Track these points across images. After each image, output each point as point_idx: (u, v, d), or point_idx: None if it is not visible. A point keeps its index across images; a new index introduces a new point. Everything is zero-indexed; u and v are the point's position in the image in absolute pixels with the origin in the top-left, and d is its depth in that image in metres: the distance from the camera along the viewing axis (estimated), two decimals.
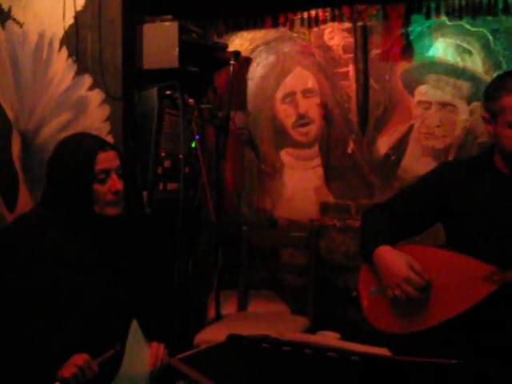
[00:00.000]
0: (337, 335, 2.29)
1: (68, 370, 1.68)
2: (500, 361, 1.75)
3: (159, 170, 3.05)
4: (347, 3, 3.44)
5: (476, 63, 3.26)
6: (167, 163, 3.10)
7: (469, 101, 3.28)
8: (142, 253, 2.07)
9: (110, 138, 2.90)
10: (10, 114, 3.16)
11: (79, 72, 3.05)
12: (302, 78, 3.61)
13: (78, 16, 3.03)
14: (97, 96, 3.02)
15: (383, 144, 3.46)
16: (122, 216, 1.93)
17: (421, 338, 1.95)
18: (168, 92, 3.06)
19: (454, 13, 3.26)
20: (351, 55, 3.48)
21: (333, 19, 3.51)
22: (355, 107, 3.49)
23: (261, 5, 3.52)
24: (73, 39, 3.04)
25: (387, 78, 3.42)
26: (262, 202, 3.71)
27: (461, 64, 3.29)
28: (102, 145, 1.91)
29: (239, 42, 3.71)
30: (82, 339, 1.76)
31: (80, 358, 1.70)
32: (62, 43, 3.06)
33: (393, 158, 3.44)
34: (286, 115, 3.65)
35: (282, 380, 1.27)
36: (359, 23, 3.44)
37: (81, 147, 1.87)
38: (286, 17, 3.58)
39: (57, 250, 1.82)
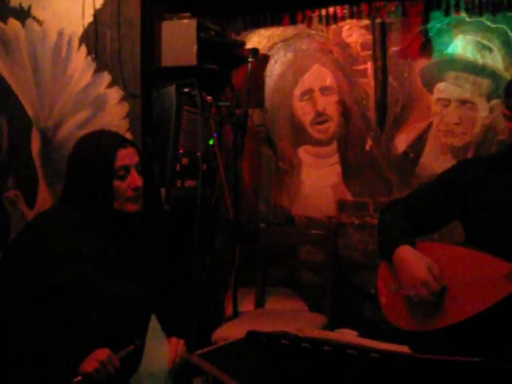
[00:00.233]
0: (355, 333, 2.28)
1: (90, 365, 1.68)
2: None
3: (177, 167, 3.06)
4: (365, 0, 3.42)
5: (496, 60, 3.22)
6: (185, 160, 3.11)
7: (488, 98, 3.25)
8: (160, 249, 2.08)
9: (128, 136, 2.90)
10: (30, 112, 3.18)
11: (98, 70, 3.07)
12: (320, 75, 3.60)
13: (97, 14, 3.05)
14: (115, 93, 3.04)
15: (401, 141, 3.44)
16: (141, 213, 1.94)
17: (438, 337, 1.93)
18: (186, 89, 3.07)
19: (474, 9, 3.22)
20: (369, 52, 3.46)
21: (351, 16, 3.48)
22: (373, 104, 3.47)
23: (279, 2, 3.52)
24: (92, 37, 3.06)
25: (406, 75, 3.40)
26: (280, 200, 3.70)
27: (480, 61, 3.25)
28: (122, 141, 1.92)
29: (257, 39, 3.70)
30: (102, 335, 1.76)
31: (102, 353, 1.71)
32: (81, 41, 3.09)
33: (411, 155, 3.42)
34: (304, 113, 3.63)
35: (301, 377, 1.27)
36: (378, 20, 3.42)
37: (101, 144, 1.89)
38: (304, 14, 3.56)
39: (76, 247, 1.82)
